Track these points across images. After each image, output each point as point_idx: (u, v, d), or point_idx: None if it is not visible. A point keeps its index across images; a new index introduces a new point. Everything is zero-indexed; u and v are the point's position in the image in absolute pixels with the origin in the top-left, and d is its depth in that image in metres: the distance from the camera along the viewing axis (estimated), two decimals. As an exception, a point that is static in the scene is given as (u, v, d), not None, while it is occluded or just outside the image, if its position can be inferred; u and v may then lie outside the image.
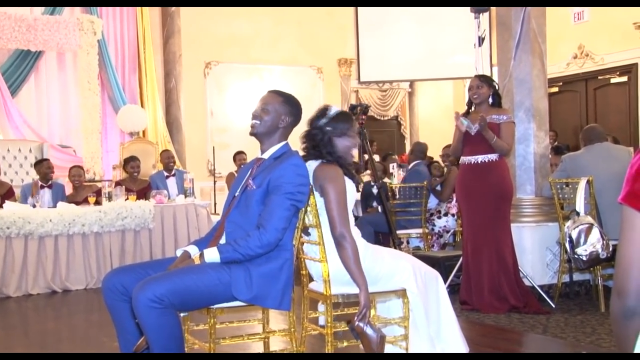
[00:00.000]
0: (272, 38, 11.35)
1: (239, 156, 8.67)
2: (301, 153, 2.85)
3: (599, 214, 4.65)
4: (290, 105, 2.76)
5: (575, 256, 4.29)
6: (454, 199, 6.18)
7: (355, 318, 2.62)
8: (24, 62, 9.29)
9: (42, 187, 6.82)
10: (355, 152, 2.96)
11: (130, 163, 7.47)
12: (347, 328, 2.70)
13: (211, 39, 10.85)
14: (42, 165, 7.00)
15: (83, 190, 6.96)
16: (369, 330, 2.61)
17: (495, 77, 4.97)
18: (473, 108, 4.63)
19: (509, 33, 5.08)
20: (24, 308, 5.44)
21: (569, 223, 4.39)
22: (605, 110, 10.24)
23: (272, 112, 2.72)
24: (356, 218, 6.10)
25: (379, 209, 6.29)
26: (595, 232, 4.25)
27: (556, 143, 8.65)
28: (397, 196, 6.18)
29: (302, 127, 2.95)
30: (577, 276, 4.87)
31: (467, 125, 4.43)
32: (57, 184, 7.18)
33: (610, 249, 4.22)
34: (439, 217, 6.28)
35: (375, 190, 6.35)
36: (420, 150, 6.74)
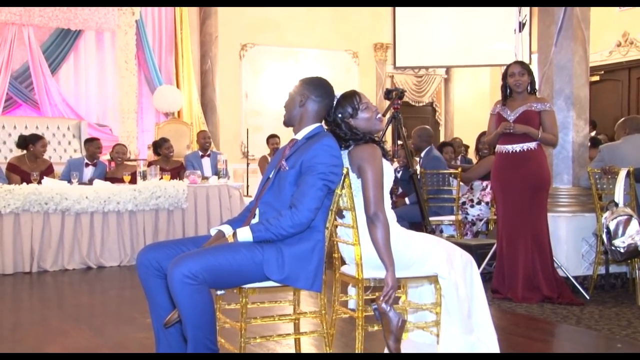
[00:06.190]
0: (307, 21, 11.30)
1: (272, 139, 8.69)
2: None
3: (638, 205, 4.55)
4: (309, 84, 2.77)
5: (613, 248, 4.22)
6: (488, 187, 6.09)
7: (381, 298, 2.61)
8: (64, 41, 9.44)
9: (87, 165, 7.05)
10: (380, 117, 2.89)
11: (164, 145, 7.59)
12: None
13: (247, 21, 10.85)
14: (93, 144, 7.19)
15: (124, 169, 7.09)
16: (391, 313, 2.61)
17: (534, 64, 4.86)
18: (509, 95, 4.54)
19: (551, 19, 4.95)
20: (59, 282, 5.56)
21: (606, 214, 4.31)
22: (648, 101, 9.99)
23: (290, 97, 2.80)
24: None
25: (407, 200, 6.20)
26: (635, 224, 4.18)
27: (594, 133, 8.43)
28: (425, 183, 6.09)
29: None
30: (613, 268, 4.77)
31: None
32: (101, 163, 7.34)
33: (650, 241, 4.13)
34: (472, 206, 6.18)
35: (398, 175, 6.24)
36: (428, 135, 6.62)
